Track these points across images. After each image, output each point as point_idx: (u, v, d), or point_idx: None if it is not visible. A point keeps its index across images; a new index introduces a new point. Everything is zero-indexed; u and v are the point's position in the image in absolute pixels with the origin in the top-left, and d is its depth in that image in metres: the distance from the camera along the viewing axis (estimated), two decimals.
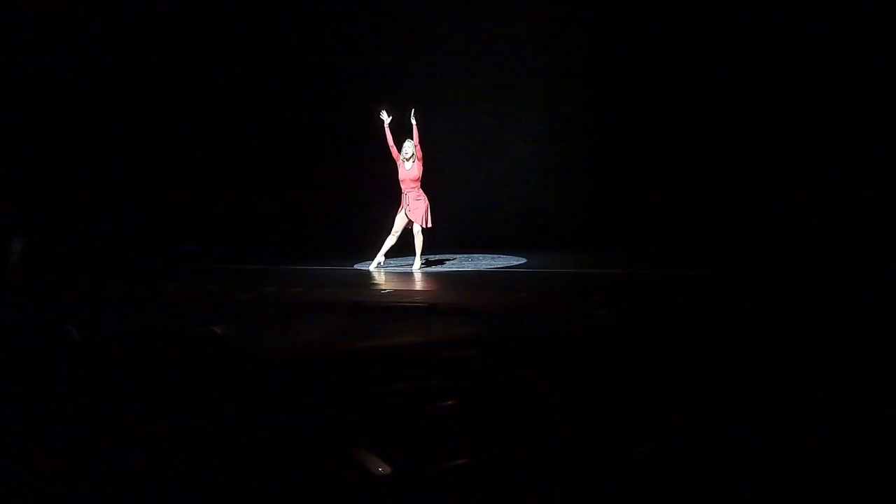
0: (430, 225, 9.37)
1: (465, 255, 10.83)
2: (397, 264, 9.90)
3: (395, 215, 9.44)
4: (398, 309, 6.93)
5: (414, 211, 9.28)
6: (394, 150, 9.29)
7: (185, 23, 12.43)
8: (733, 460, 3.24)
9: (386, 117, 9.29)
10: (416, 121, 9.23)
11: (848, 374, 4.44)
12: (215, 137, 12.93)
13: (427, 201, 9.35)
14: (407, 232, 9.48)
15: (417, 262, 9.49)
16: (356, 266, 10.07)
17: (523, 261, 10.15)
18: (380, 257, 9.57)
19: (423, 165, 9.30)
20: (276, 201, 12.91)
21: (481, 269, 9.69)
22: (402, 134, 9.38)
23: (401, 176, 9.32)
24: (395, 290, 8.16)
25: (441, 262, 10.21)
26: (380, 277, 9.14)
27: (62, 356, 5.47)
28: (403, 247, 9.66)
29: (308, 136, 12.91)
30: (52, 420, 4.05)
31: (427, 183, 9.49)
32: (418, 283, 8.72)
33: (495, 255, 10.70)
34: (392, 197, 9.56)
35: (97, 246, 11.65)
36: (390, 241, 9.47)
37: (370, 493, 3.07)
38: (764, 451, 3.32)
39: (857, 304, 6.35)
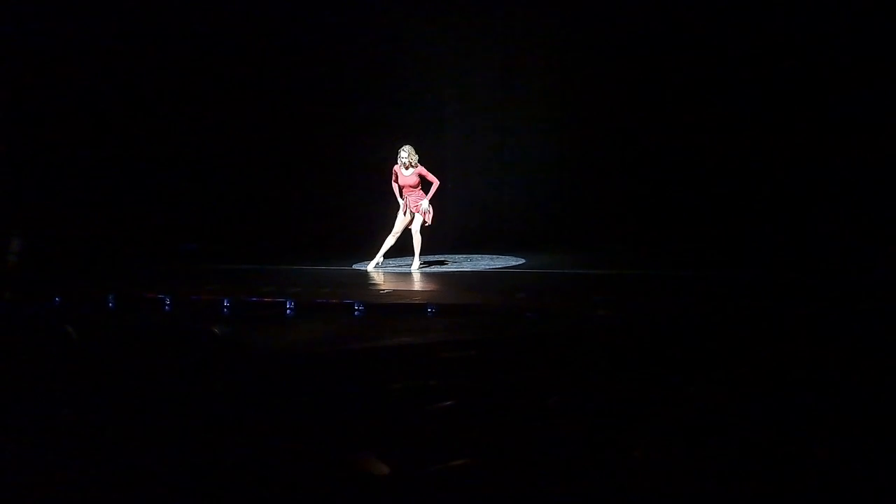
0: (429, 223, 9.40)
1: (465, 256, 10.83)
2: (396, 264, 9.90)
3: (396, 216, 9.45)
4: (396, 309, 6.93)
5: (415, 207, 9.33)
6: (395, 180, 9.41)
7: (182, 21, 12.41)
8: (732, 460, 3.25)
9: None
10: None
11: (847, 374, 4.45)
12: (214, 136, 12.91)
13: (428, 200, 9.38)
14: (406, 232, 9.49)
15: (416, 262, 9.50)
16: (355, 266, 10.07)
17: (522, 261, 10.16)
18: (379, 257, 9.58)
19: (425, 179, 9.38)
20: (275, 201, 12.90)
21: (480, 269, 9.69)
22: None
23: (401, 182, 9.37)
24: (394, 290, 8.16)
25: (440, 262, 10.21)
26: (378, 277, 9.14)
27: (61, 356, 5.47)
28: (402, 247, 9.66)
29: (308, 135, 12.90)
30: (52, 420, 4.05)
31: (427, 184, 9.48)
32: (417, 284, 8.73)
33: (494, 256, 10.71)
34: (392, 197, 9.56)
35: (97, 245, 11.64)
36: (390, 241, 9.49)
37: (369, 494, 3.07)
38: (763, 451, 3.32)
39: (853, 303, 6.36)
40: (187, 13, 12.33)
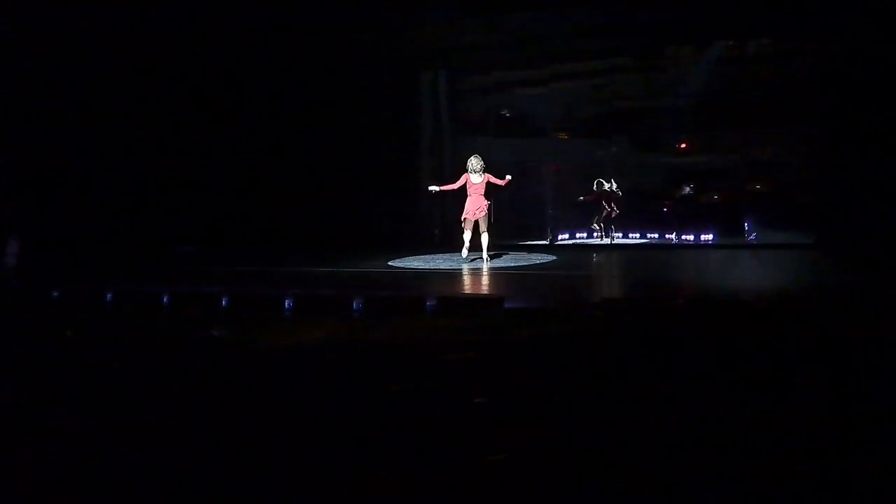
0: (472, 217, 9.89)
1: (475, 254, 10.88)
2: (440, 259, 10.43)
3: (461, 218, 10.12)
4: (395, 312, 6.92)
5: (475, 211, 9.88)
6: (456, 186, 10.11)
7: (191, 22, 12.37)
8: (733, 462, 3.24)
9: (435, 189, 10.39)
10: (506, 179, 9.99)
11: (846, 377, 4.44)
12: (217, 142, 12.92)
13: (486, 203, 9.98)
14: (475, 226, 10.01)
15: (480, 254, 10.03)
16: (390, 263, 10.43)
17: (553, 258, 10.58)
18: (464, 251, 10.17)
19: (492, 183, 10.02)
20: (276, 206, 12.93)
21: (507, 265, 9.97)
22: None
23: (469, 188, 9.99)
24: (392, 294, 8.14)
25: (473, 259, 10.35)
26: (376, 281, 9.15)
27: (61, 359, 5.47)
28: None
29: (323, 141, 12.98)
30: (55, 422, 4.05)
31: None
32: (424, 284, 8.78)
33: (526, 254, 11.18)
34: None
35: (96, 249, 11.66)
36: (466, 236, 10.12)
37: (370, 495, 3.06)
38: (763, 453, 3.32)
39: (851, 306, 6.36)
40: (193, 12, 12.30)
